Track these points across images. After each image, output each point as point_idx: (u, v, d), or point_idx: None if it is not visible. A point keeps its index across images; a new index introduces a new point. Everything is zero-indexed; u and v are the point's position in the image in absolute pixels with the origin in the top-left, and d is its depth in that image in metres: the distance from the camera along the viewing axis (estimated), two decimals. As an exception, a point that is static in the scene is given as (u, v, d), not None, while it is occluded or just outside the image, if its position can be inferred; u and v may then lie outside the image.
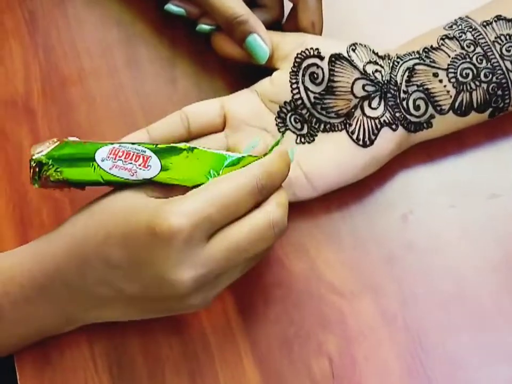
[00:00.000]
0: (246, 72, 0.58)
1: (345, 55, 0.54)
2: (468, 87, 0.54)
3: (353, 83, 0.54)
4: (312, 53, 0.54)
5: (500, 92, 0.54)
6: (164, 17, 0.62)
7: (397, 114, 0.54)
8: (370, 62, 0.54)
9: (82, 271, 0.47)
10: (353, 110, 0.54)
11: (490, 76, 0.54)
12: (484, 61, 0.54)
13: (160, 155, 0.47)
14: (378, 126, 0.54)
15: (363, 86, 0.54)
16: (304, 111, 0.55)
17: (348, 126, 0.54)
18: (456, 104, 0.54)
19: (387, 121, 0.54)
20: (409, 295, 0.52)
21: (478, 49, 0.54)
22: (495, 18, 0.55)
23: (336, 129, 0.55)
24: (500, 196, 0.55)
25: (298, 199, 0.54)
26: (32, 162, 0.48)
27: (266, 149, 0.52)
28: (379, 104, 0.54)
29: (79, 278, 0.47)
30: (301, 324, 0.52)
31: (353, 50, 0.54)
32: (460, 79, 0.54)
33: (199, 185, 0.47)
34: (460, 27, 0.55)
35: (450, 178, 0.56)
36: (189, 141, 0.55)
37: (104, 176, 0.47)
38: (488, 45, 0.54)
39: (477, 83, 0.54)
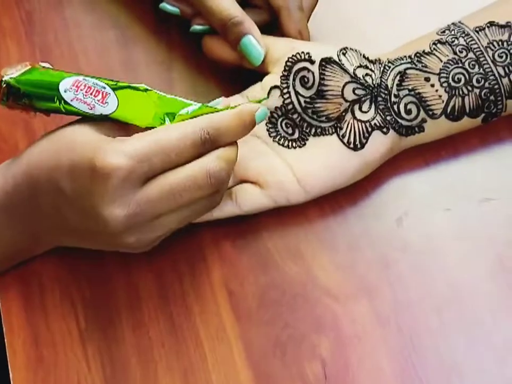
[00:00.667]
0: (241, 76, 0.59)
1: (336, 59, 0.54)
2: (460, 92, 0.54)
3: (343, 87, 0.54)
4: (303, 57, 0.55)
5: (492, 97, 0.54)
6: (161, 20, 0.62)
7: (388, 118, 0.54)
8: (360, 66, 0.55)
9: (36, 192, 0.49)
10: (343, 114, 0.55)
11: (483, 81, 0.54)
12: (476, 66, 0.54)
13: (118, 93, 0.48)
14: (369, 129, 0.54)
15: (353, 90, 0.54)
16: (295, 116, 0.55)
17: (338, 129, 0.54)
18: (449, 109, 0.54)
19: (378, 124, 0.54)
20: (403, 298, 0.52)
21: (471, 55, 0.54)
22: (488, 24, 0.55)
23: (327, 133, 0.55)
24: (494, 199, 0.55)
25: (291, 204, 0.54)
26: (2, 83, 0.49)
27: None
28: (369, 107, 0.54)
29: (34, 198, 0.49)
30: (294, 327, 0.52)
31: (344, 54, 0.55)
32: (452, 83, 0.54)
33: (152, 128, 0.48)
34: (453, 32, 0.55)
35: (445, 182, 0.56)
36: None
37: (65, 107, 0.48)
38: (481, 51, 0.54)
39: (469, 88, 0.54)
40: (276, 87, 0.55)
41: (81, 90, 0.48)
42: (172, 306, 0.52)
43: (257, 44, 0.55)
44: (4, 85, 0.49)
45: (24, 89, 0.48)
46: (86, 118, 0.49)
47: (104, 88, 0.48)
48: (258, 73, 0.57)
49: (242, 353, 0.51)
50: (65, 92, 0.48)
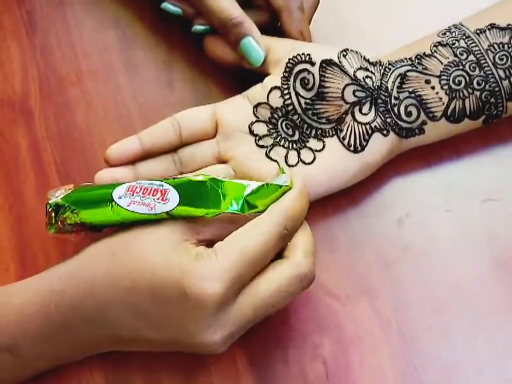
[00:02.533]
0: (242, 76, 0.59)
1: (336, 61, 0.54)
2: (461, 95, 0.54)
3: (343, 89, 0.54)
4: (303, 59, 0.54)
5: (492, 100, 0.54)
6: (161, 20, 0.62)
7: (388, 120, 0.54)
8: (361, 68, 0.54)
9: (103, 314, 0.46)
10: (344, 116, 0.55)
11: (483, 83, 0.54)
12: (477, 69, 0.54)
13: (177, 188, 0.46)
14: (369, 132, 0.54)
15: (353, 92, 0.54)
16: (295, 117, 0.55)
17: (339, 131, 0.54)
18: (449, 111, 0.54)
19: (378, 126, 0.54)
20: (404, 298, 0.53)
21: (471, 57, 0.54)
22: (489, 27, 0.55)
23: (328, 135, 0.55)
24: (495, 199, 0.55)
25: None
26: (48, 207, 0.47)
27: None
28: (370, 109, 0.54)
29: (99, 319, 0.46)
30: (296, 327, 0.52)
31: (344, 56, 0.55)
32: (453, 86, 0.54)
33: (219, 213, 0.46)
34: (454, 34, 0.55)
35: (446, 182, 0.56)
36: (180, 147, 0.55)
37: (122, 214, 0.46)
38: (481, 53, 0.54)
39: (470, 90, 0.54)
40: (276, 88, 0.55)
41: (137, 193, 0.45)
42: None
43: (257, 45, 0.55)
44: (50, 208, 0.47)
45: (74, 207, 0.46)
46: (147, 223, 0.46)
47: (162, 185, 0.46)
48: (259, 74, 0.56)
49: (244, 355, 0.51)
50: (119, 198, 0.45)
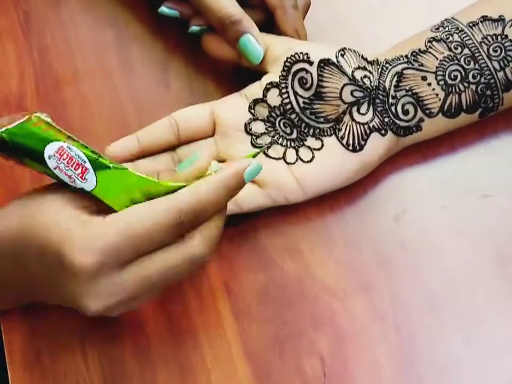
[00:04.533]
0: (239, 74, 0.59)
1: (334, 60, 0.54)
2: (457, 89, 0.54)
3: (341, 89, 0.54)
4: (301, 58, 0.54)
5: (488, 92, 0.55)
6: (158, 19, 0.62)
7: (386, 120, 0.54)
8: (359, 67, 0.55)
9: (3, 272, 0.48)
10: (342, 116, 0.55)
11: (479, 76, 0.54)
12: (472, 62, 0.54)
13: (97, 173, 0.46)
14: (368, 132, 0.54)
15: (351, 92, 0.54)
16: (293, 116, 0.55)
17: (337, 131, 0.55)
18: (446, 107, 0.55)
19: (376, 126, 0.54)
20: (401, 295, 0.53)
21: (466, 51, 0.55)
22: (481, 19, 0.55)
23: (326, 134, 0.55)
24: (491, 195, 0.55)
25: (289, 203, 0.54)
26: None
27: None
28: (368, 109, 0.54)
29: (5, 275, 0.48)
30: (293, 324, 0.52)
31: (342, 55, 0.55)
32: (449, 81, 0.54)
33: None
34: (447, 29, 0.56)
35: (442, 179, 0.56)
36: (178, 146, 0.55)
37: (49, 173, 0.47)
38: (476, 46, 0.55)
39: (466, 84, 0.54)
40: (274, 86, 0.55)
41: (63, 160, 0.46)
42: (170, 304, 0.52)
43: (256, 43, 0.55)
44: None
45: (14, 146, 0.46)
46: (53, 186, 0.48)
47: (85, 162, 0.46)
48: (256, 72, 0.56)
49: (241, 351, 0.51)
50: (49, 158, 0.46)
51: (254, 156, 0.49)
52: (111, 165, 0.47)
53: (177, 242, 0.46)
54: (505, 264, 0.53)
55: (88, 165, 0.46)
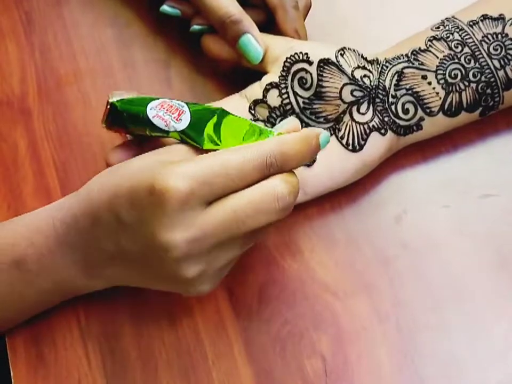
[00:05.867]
0: (240, 74, 0.59)
1: (334, 60, 0.54)
2: (457, 88, 0.54)
3: (341, 88, 0.54)
4: (301, 58, 0.54)
5: (489, 91, 0.55)
6: (159, 19, 0.62)
7: (386, 119, 0.54)
8: (358, 67, 0.54)
9: (96, 225, 0.47)
10: (342, 115, 0.55)
11: (479, 75, 0.54)
12: (472, 61, 0.54)
13: (193, 111, 0.48)
14: (367, 131, 0.54)
15: (351, 91, 0.54)
16: (293, 116, 0.55)
17: (337, 131, 0.55)
18: (446, 106, 0.55)
19: (376, 126, 0.54)
20: (402, 294, 0.53)
21: (466, 49, 0.55)
22: (481, 18, 0.55)
23: None
24: (493, 195, 0.55)
25: None
26: (107, 105, 0.49)
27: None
28: (367, 109, 0.54)
29: (93, 231, 0.47)
30: (294, 323, 0.52)
31: (342, 55, 0.55)
32: (449, 80, 0.54)
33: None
34: (447, 27, 0.56)
35: (444, 178, 0.56)
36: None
37: (147, 123, 0.48)
38: (476, 45, 0.55)
39: (466, 83, 0.54)
40: (274, 86, 0.55)
41: (163, 108, 0.48)
42: (172, 303, 0.53)
43: (256, 43, 0.55)
44: (109, 106, 0.49)
45: (121, 109, 0.48)
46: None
47: (183, 106, 0.48)
48: (257, 73, 0.56)
49: (242, 350, 0.51)
50: (150, 109, 0.48)
51: None
52: (207, 106, 0.49)
53: (259, 182, 0.46)
54: (507, 263, 0.53)
55: (185, 108, 0.48)
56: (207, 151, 0.47)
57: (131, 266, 0.48)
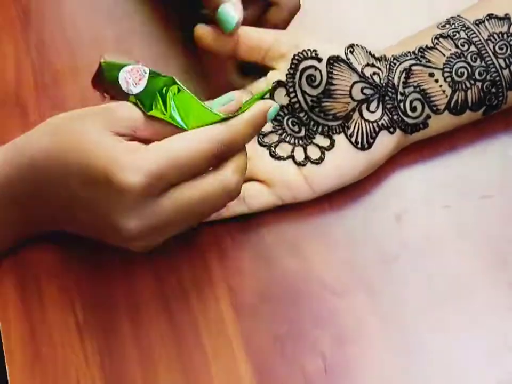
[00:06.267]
0: (241, 72, 0.58)
1: (344, 57, 0.54)
2: (463, 86, 0.55)
3: (351, 86, 0.54)
4: (309, 55, 0.54)
5: (493, 90, 0.55)
6: (158, 15, 0.62)
7: (395, 117, 0.54)
8: (368, 64, 0.54)
9: (43, 188, 0.49)
10: (351, 113, 0.54)
11: (485, 74, 0.55)
12: (478, 60, 0.55)
13: (150, 79, 0.50)
14: (376, 130, 0.54)
15: (361, 89, 0.54)
16: (301, 114, 0.55)
17: (346, 129, 0.54)
18: (452, 104, 0.55)
19: (385, 124, 0.54)
20: (402, 294, 0.53)
21: (472, 48, 0.55)
22: (487, 17, 0.56)
23: (335, 132, 0.55)
24: (493, 195, 0.55)
25: (297, 201, 0.54)
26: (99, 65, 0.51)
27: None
28: (377, 107, 0.54)
29: (40, 191, 0.49)
30: (294, 322, 0.52)
31: (351, 52, 0.54)
32: (456, 78, 0.55)
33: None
34: (453, 26, 0.56)
35: (444, 179, 0.56)
36: None
37: (117, 83, 0.50)
38: (482, 43, 0.55)
39: (472, 82, 0.55)
40: (281, 84, 0.55)
41: (133, 74, 0.50)
42: (171, 301, 0.52)
43: (232, 10, 0.53)
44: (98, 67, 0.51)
45: (105, 69, 0.50)
46: (91, 110, 0.50)
47: (146, 73, 0.50)
48: (260, 69, 0.56)
49: (243, 348, 0.51)
50: (122, 72, 0.49)
51: (263, 96, 0.51)
52: (162, 76, 0.50)
53: (213, 172, 0.48)
54: (507, 263, 0.53)
55: (147, 75, 0.50)
56: (152, 117, 0.49)
57: (79, 226, 0.51)
